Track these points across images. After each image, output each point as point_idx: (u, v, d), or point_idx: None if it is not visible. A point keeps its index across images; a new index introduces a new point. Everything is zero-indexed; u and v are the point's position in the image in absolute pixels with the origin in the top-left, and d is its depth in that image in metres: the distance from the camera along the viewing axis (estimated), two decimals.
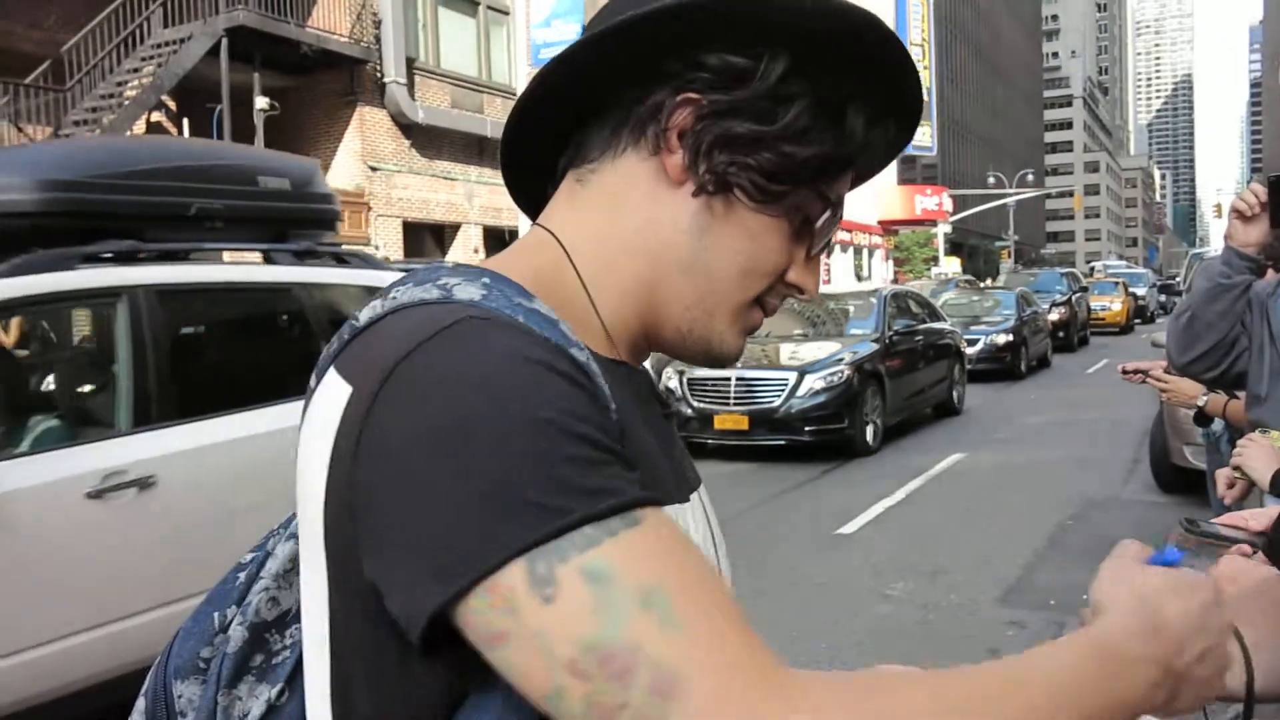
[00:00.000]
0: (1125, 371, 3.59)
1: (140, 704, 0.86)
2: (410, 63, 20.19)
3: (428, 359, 0.65)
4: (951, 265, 41.50)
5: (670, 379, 10.45)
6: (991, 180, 58.47)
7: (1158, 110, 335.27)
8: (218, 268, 4.57)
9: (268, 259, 4.74)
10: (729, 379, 10.17)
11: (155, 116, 17.28)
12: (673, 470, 0.82)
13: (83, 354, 4.81)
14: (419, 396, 0.64)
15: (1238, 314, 2.70)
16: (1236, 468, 2.37)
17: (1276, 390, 2.67)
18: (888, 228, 43.84)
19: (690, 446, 1.11)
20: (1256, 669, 0.90)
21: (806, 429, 10.02)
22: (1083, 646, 0.68)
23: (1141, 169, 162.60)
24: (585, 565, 0.59)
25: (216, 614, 0.85)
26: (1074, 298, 25.25)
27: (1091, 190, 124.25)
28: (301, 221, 5.10)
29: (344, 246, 5.54)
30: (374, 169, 19.72)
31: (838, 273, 36.58)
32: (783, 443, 10.06)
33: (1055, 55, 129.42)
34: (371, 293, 4.57)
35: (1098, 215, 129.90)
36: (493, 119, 21.53)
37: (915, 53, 45.26)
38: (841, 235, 37.88)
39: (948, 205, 45.40)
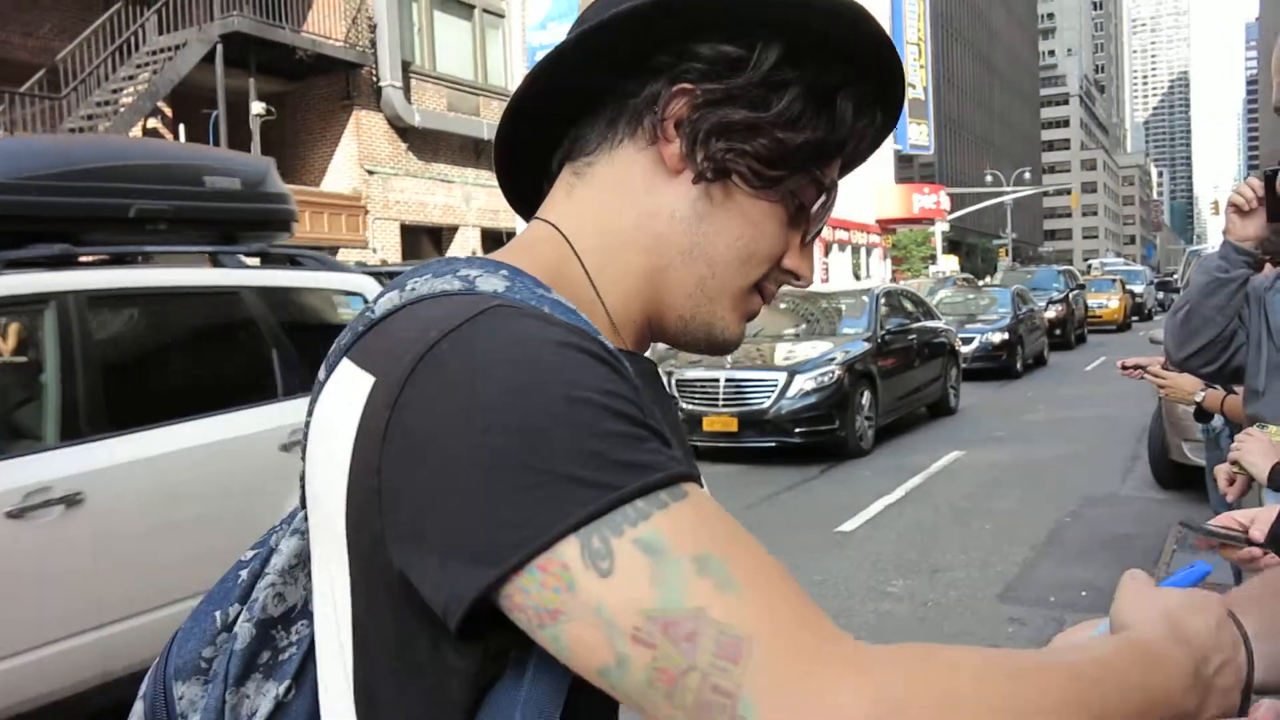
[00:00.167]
0: (1125, 367, 3.59)
1: (138, 707, 0.85)
2: (406, 66, 20.21)
3: (459, 346, 0.65)
4: (949, 264, 41.54)
5: None
6: (989, 179, 58.54)
7: (1154, 108, 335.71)
8: (156, 271, 4.33)
9: (215, 261, 4.53)
10: (718, 380, 9.99)
11: (151, 123, 17.29)
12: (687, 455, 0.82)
13: (7, 364, 4.53)
14: (453, 382, 0.64)
15: (1235, 308, 2.69)
16: (1235, 463, 2.36)
17: (1274, 385, 2.66)
18: (885, 226, 43.85)
19: None
20: (1257, 659, 0.91)
21: (797, 430, 9.84)
22: (1118, 644, 0.71)
23: (1139, 166, 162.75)
24: (639, 537, 0.59)
25: (218, 613, 0.84)
26: (1071, 295, 25.16)
27: (1089, 188, 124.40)
28: (253, 223, 4.93)
29: (335, 249, 5.48)
30: (371, 172, 19.73)
31: (836, 272, 36.59)
32: (773, 445, 9.89)
33: (1051, 53, 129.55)
34: (326, 294, 4.24)
35: (1095, 213, 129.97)
36: (489, 122, 21.55)
37: (911, 52, 45.35)
38: (839, 234, 37.90)
39: (945, 204, 45.38)
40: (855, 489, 8.75)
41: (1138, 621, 0.75)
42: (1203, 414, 3.43)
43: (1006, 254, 56.88)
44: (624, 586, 0.58)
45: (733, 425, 9.85)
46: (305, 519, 0.80)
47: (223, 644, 0.83)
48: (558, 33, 19.12)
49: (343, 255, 18.33)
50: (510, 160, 0.93)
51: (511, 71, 22.80)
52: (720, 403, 9.98)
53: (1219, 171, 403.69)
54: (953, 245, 52.83)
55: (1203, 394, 3.30)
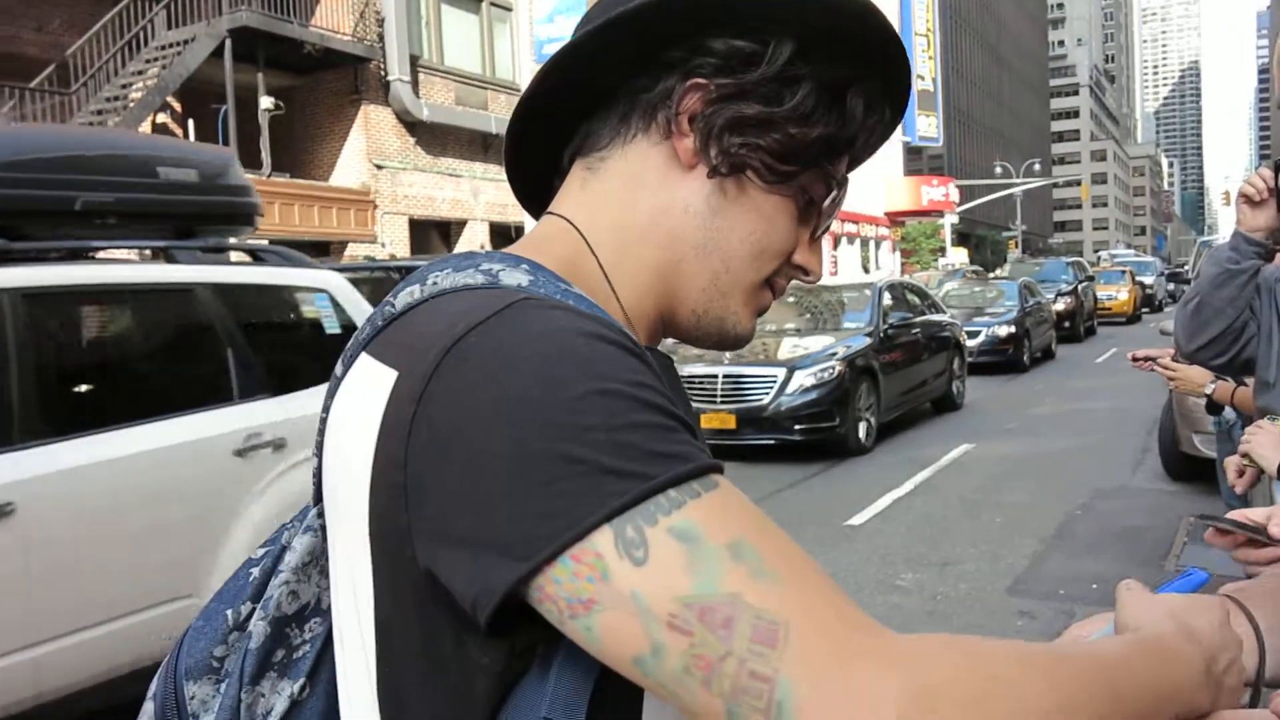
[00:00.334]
0: (1135, 359, 3.58)
1: (148, 707, 0.85)
2: (414, 60, 20.22)
3: (487, 339, 0.65)
4: (959, 256, 41.44)
5: None
6: (998, 170, 58.30)
7: (1165, 98, 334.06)
8: (101, 267, 4.10)
9: (168, 257, 4.28)
10: (716, 376, 9.77)
11: (160, 118, 17.34)
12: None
13: None
14: (481, 375, 0.63)
15: (1246, 300, 2.68)
16: (1245, 455, 2.35)
17: None
18: (894, 219, 43.70)
19: None
20: (1269, 653, 0.91)
21: (796, 428, 9.60)
22: (1133, 641, 0.72)
23: (1149, 157, 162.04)
24: (673, 525, 0.60)
25: (229, 611, 0.84)
26: (1080, 287, 24.95)
27: (1099, 179, 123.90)
28: (211, 216, 4.69)
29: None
30: (379, 167, 19.75)
31: (845, 265, 36.51)
32: (772, 442, 9.66)
33: (1061, 44, 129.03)
34: (289, 291, 4.14)
35: (1105, 204, 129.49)
36: (497, 115, 21.56)
37: (920, 43, 45.17)
38: (848, 227, 37.80)
39: (954, 196, 45.20)
40: (863, 482, 8.75)
41: (1144, 623, 0.75)
42: (1213, 406, 3.43)
43: (1016, 246, 56.71)
44: (659, 574, 0.59)
45: (731, 422, 9.62)
46: (318, 516, 0.80)
47: (235, 642, 0.83)
48: (565, 26, 19.10)
49: (351, 250, 18.40)
50: (520, 156, 0.93)
51: (519, 65, 22.79)
52: (718, 399, 9.75)
53: (1230, 162, 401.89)
54: (962, 238, 52.70)
55: (1213, 386, 3.29)
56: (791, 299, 11.96)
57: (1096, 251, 75.58)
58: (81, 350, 4.22)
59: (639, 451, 0.61)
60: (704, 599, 0.58)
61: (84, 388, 4.16)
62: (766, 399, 9.65)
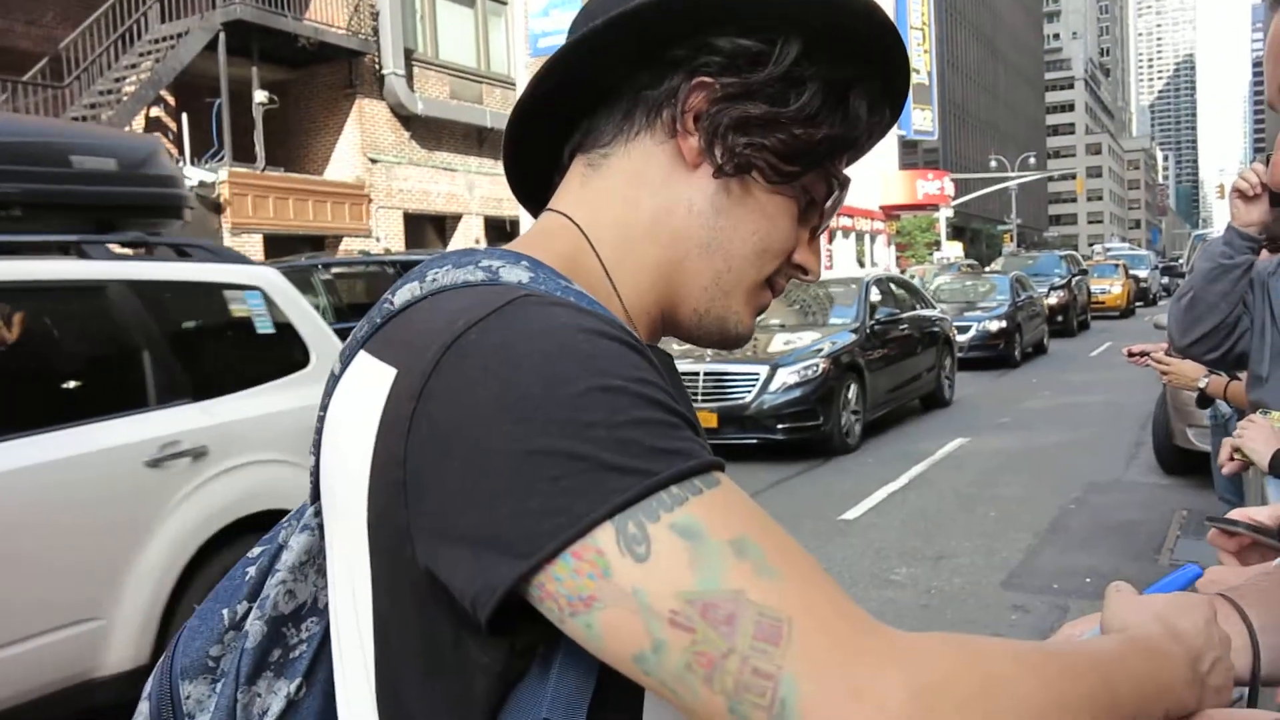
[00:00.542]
0: (1131, 353, 3.59)
1: (143, 707, 0.85)
2: (408, 54, 20.18)
3: (486, 337, 0.64)
4: (954, 250, 41.45)
5: None
6: (993, 164, 58.37)
7: (1160, 91, 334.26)
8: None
9: (79, 252, 3.96)
10: (697, 373, 9.52)
11: (154, 112, 17.29)
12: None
13: None
14: (482, 372, 0.63)
15: (1239, 294, 2.69)
16: (1237, 449, 2.36)
17: (1277, 371, 2.66)
18: (890, 213, 43.75)
19: None
20: (1263, 652, 0.91)
21: (779, 427, 9.34)
22: (1122, 640, 0.72)
23: (1144, 150, 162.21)
24: (675, 522, 0.59)
25: (225, 610, 0.83)
26: (1073, 281, 24.84)
27: (1094, 173, 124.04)
28: (132, 209, 4.40)
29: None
30: (374, 161, 19.71)
31: (840, 259, 36.54)
32: (754, 441, 9.39)
33: (1056, 37, 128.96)
34: (216, 289, 3.90)
35: (1100, 198, 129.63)
36: (492, 109, 21.54)
37: (915, 37, 45.16)
38: (844, 221, 37.82)
39: (949, 189, 45.26)
40: (858, 477, 8.76)
41: (1131, 624, 0.76)
42: (1204, 400, 3.44)
43: (1011, 239, 56.75)
44: (661, 570, 0.58)
45: (712, 421, 9.37)
46: (316, 514, 0.80)
47: (230, 642, 0.82)
48: (561, 20, 19.05)
49: (346, 244, 18.37)
50: (518, 152, 0.92)
51: (514, 59, 22.69)
52: (700, 397, 9.54)
53: (1225, 155, 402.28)
54: (957, 231, 52.72)
55: (1206, 380, 3.30)
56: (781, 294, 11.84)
57: (1091, 245, 75.68)
58: None
59: (641, 448, 0.61)
60: (706, 595, 0.58)
61: None
62: (749, 397, 9.42)
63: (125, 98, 15.66)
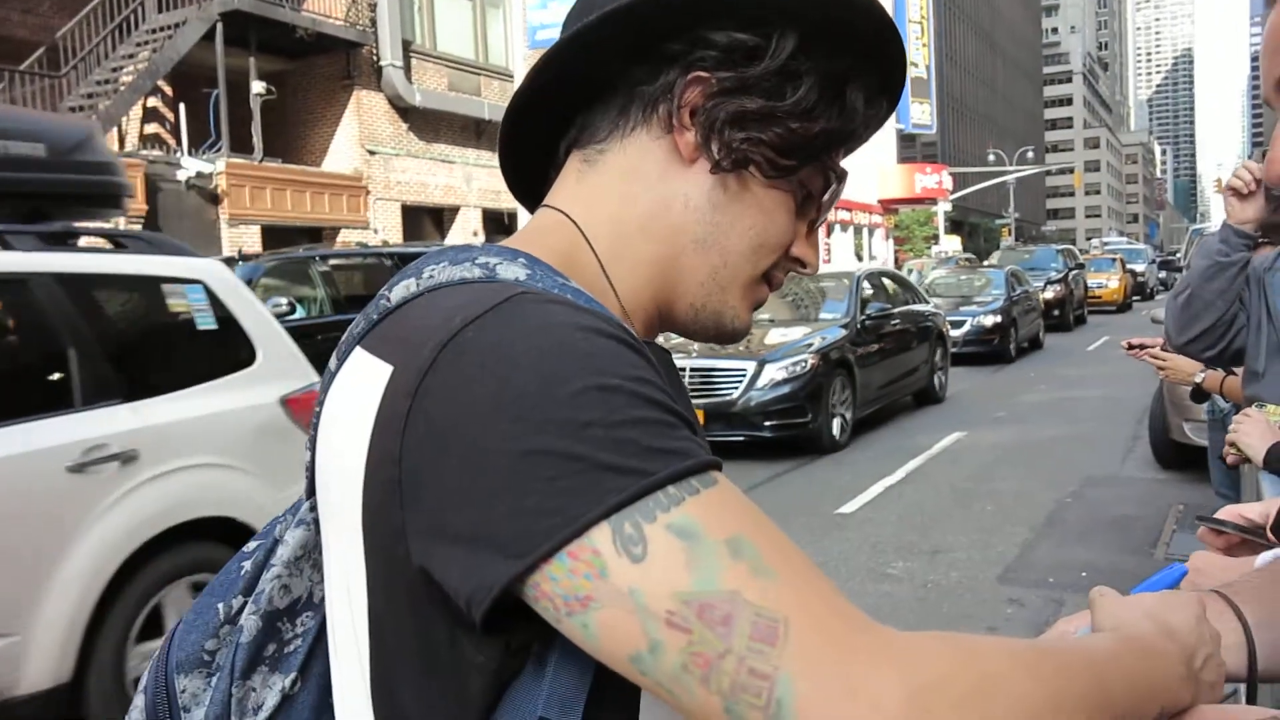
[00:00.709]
0: (1130, 346, 3.60)
1: (139, 701, 0.85)
2: (406, 45, 20.13)
3: (484, 334, 0.64)
4: (952, 244, 41.43)
5: None
6: (991, 158, 58.29)
7: (1158, 85, 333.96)
8: None
9: (1, 243, 3.75)
10: (684, 369, 9.33)
11: (151, 102, 17.26)
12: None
13: None
14: (479, 369, 0.63)
15: (1236, 292, 2.69)
16: (1233, 444, 2.37)
17: (1274, 367, 2.67)
18: (888, 207, 43.70)
19: None
20: (1259, 648, 0.91)
21: (767, 424, 9.19)
22: (1116, 639, 0.72)
23: (1142, 145, 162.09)
24: (672, 522, 0.59)
25: (220, 605, 0.83)
26: (1070, 275, 24.78)
27: (1092, 167, 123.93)
28: (65, 197, 4.15)
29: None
30: (372, 153, 19.68)
31: (838, 253, 36.51)
32: (741, 439, 9.24)
33: (1055, 31, 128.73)
34: (153, 282, 3.67)
35: (1098, 192, 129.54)
36: (490, 101, 21.50)
37: (914, 30, 45.07)
38: (842, 215, 37.78)
39: (948, 183, 45.19)
40: (854, 471, 8.76)
41: (1123, 623, 0.76)
42: (1199, 394, 3.44)
43: (1009, 233, 56.73)
44: (658, 570, 0.58)
45: (699, 417, 9.26)
46: (311, 509, 0.79)
47: (226, 637, 0.82)
48: (559, 11, 18.99)
49: (344, 236, 18.35)
50: (514, 148, 0.92)
51: (512, 51, 22.68)
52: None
53: (1223, 149, 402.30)
54: (955, 225, 52.71)
55: (1202, 375, 3.30)
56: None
57: (1089, 239, 75.69)
58: None
59: (638, 447, 0.61)
60: (703, 596, 0.58)
61: None
62: (736, 393, 9.26)
63: (122, 88, 15.63)
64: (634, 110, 0.82)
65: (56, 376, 3.75)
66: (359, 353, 0.72)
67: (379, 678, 0.70)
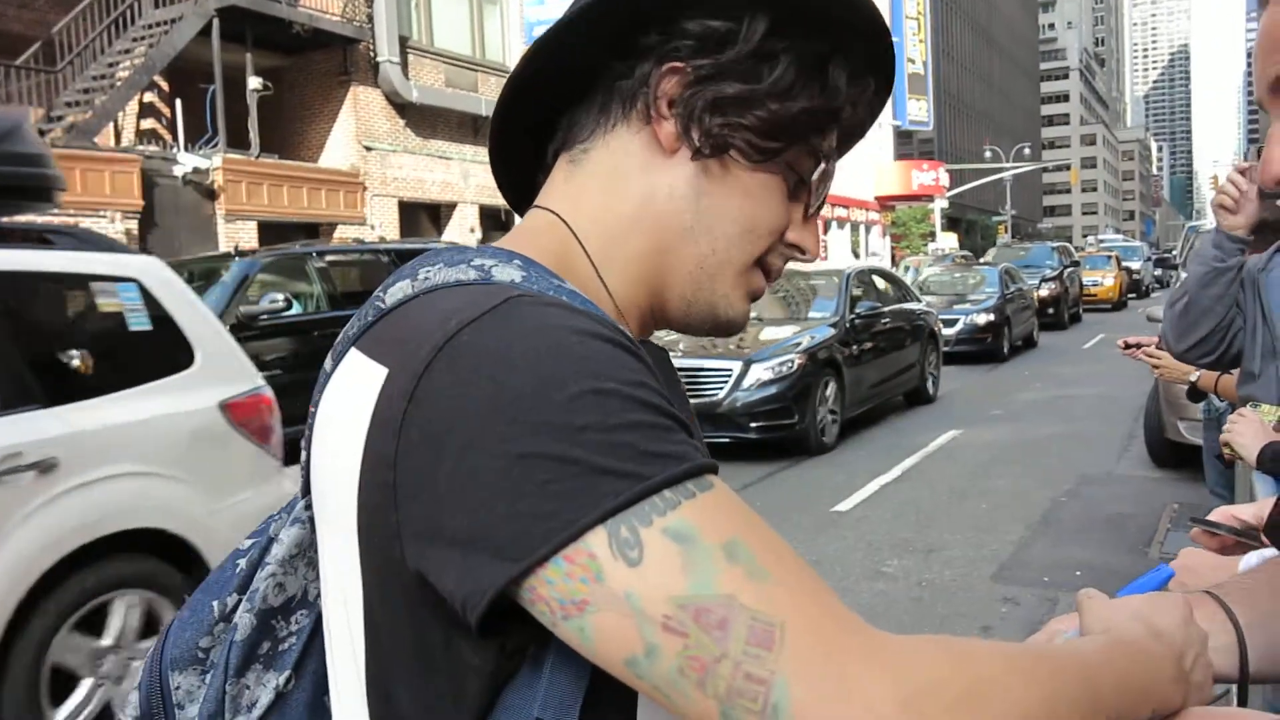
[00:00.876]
0: (1126, 345, 3.60)
1: (133, 697, 0.85)
2: (403, 41, 20.08)
3: (479, 337, 0.64)
4: (949, 241, 41.41)
5: None
6: (988, 154, 58.29)
7: (1154, 81, 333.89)
8: None
9: None
10: None
11: (148, 97, 17.21)
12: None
13: None
14: (475, 373, 0.63)
15: (1234, 296, 2.70)
16: (1226, 444, 2.38)
17: (1269, 367, 2.67)
18: (884, 203, 43.69)
19: None
20: (1250, 650, 0.91)
21: (752, 425, 9.05)
22: (1106, 641, 0.73)
23: (1138, 141, 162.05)
24: (668, 526, 0.59)
25: (215, 602, 0.83)
26: (1065, 273, 24.65)
27: (1088, 163, 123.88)
28: None
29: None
30: (369, 149, 19.63)
31: (835, 249, 36.50)
32: (727, 440, 9.05)
33: (1051, 27, 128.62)
34: (81, 280, 3.52)
35: (1095, 189, 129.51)
36: (487, 98, 21.44)
37: (910, 26, 45.04)
38: (838, 212, 37.76)
39: (944, 180, 45.19)
40: (850, 469, 8.77)
41: (1112, 625, 0.77)
42: (1195, 393, 3.45)
43: (1006, 231, 56.74)
44: (654, 574, 0.58)
45: None
46: (306, 508, 0.80)
47: (220, 634, 0.83)
48: (556, 8, 18.98)
49: (341, 231, 18.31)
50: (505, 153, 0.92)
51: (509, 47, 22.65)
52: None
53: (1219, 145, 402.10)
54: (952, 222, 52.67)
55: (1197, 374, 3.31)
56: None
57: (1085, 236, 75.70)
58: None
59: (634, 451, 0.61)
60: (699, 599, 0.58)
61: None
62: (721, 394, 9.10)
63: (118, 83, 15.58)
64: (614, 107, 0.82)
65: None
66: (354, 354, 0.72)
67: (375, 678, 0.70)
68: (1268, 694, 2.00)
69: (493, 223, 22.34)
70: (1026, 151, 59.33)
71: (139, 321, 3.94)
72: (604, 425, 0.61)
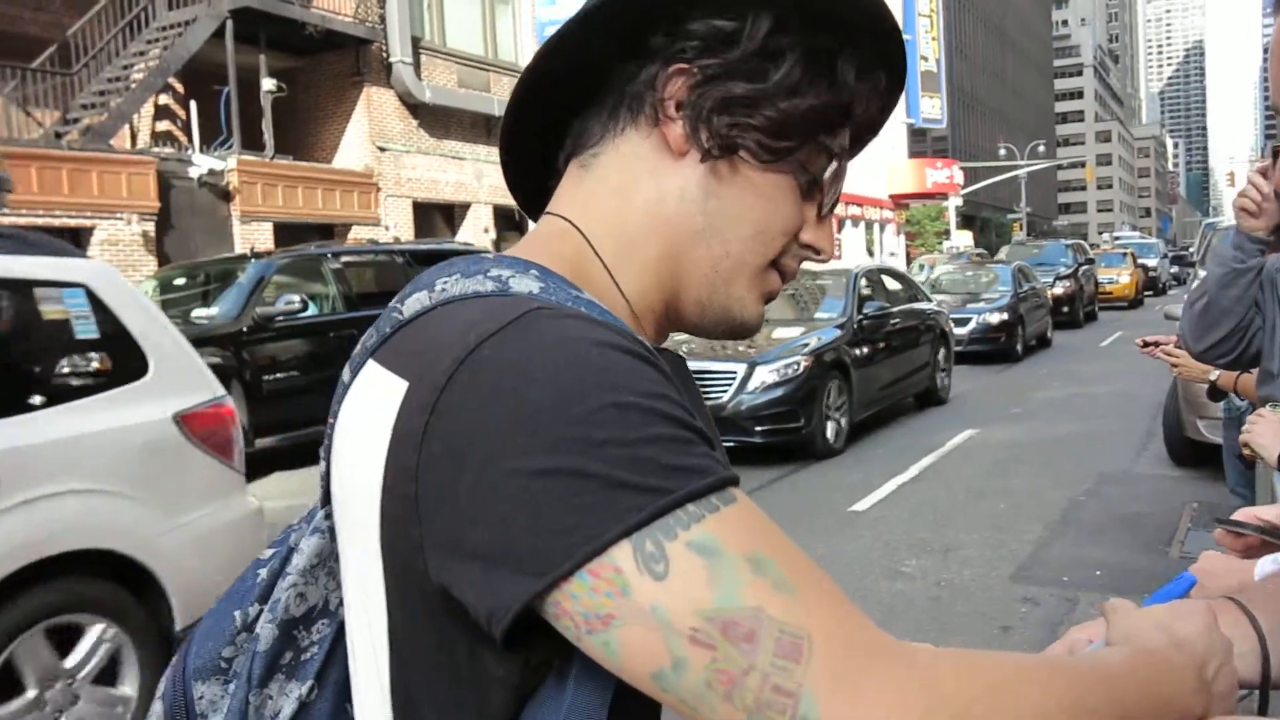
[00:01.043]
0: (1145, 344, 3.59)
1: (157, 707, 0.85)
2: (416, 42, 20.13)
3: (499, 351, 0.64)
4: (964, 239, 41.29)
5: None
6: (1003, 152, 58.10)
7: (1169, 77, 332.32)
8: None
9: None
10: None
11: (163, 99, 17.30)
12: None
13: None
14: (496, 387, 0.63)
15: (1253, 297, 2.69)
16: (1246, 444, 2.37)
17: None
18: (899, 202, 43.60)
19: None
20: (1272, 655, 0.91)
21: (757, 429, 8.84)
22: (1128, 652, 0.73)
23: (1154, 138, 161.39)
24: (693, 540, 0.59)
25: (237, 612, 0.84)
26: (1080, 271, 24.38)
27: (1103, 161, 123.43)
28: None
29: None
30: (382, 149, 19.70)
31: (849, 248, 36.45)
32: (731, 445, 8.72)
33: (1065, 23, 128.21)
34: (23, 286, 3.34)
35: (1110, 186, 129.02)
36: (500, 98, 21.48)
37: (923, 24, 44.93)
38: (852, 210, 37.72)
39: (959, 178, 45.07)
40: (868, 469, 8.76)
41: (1134, 635, 0.76)
42: (1215, 392, 3.44)
43: (1021, 228, 56.55)
44: (680, 588, 0.58)
45: None
46: (326, 518, 0.80)
47: (243, 644, 0.83)
48: (568, 7, 18.95)
49: (355, 232, 18.38)
50: (515, 159, 0.92)
51: (521, 47, 22.69)
52: None
53: (1235, 141, 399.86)
54: (966, 220, 52.51)
55: (1216, 373, 3.30)
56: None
57: (1101, 234, 75.39)
58: None
59: (656, 465, 0.61)
60: (726, 611, 0.58)
61: None
62: (725, 397, 8.88)
63: (133, 85, 15.66)
64: (622, 111, 0.81)
65: None
66: (372, 366, 0.71)
67: (398, 689, 0.70)
68: None
69: (507, 223, 22.38)
70: (1041, 149, 59.17)
71: (86, 330, 3.76)
72: (625, 439, 0.61)
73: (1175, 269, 40.08)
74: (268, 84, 17.49)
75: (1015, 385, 14.01)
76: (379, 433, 0.67)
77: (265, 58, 17.59)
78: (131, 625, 3.56)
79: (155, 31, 16.51)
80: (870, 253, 37.82)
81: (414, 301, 0.72)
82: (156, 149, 16.39)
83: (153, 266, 14.71)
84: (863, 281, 11.16)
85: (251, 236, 16.57)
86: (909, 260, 32.88)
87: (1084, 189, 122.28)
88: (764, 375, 8.99)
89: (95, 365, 3.85)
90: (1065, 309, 22.15)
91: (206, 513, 3.83)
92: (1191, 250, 32.65)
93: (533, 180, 0.92)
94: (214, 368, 8.63)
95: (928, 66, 46.18)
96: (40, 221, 13.82)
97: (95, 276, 3.84)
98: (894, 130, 41.88)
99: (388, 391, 0.68)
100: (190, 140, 17.08)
